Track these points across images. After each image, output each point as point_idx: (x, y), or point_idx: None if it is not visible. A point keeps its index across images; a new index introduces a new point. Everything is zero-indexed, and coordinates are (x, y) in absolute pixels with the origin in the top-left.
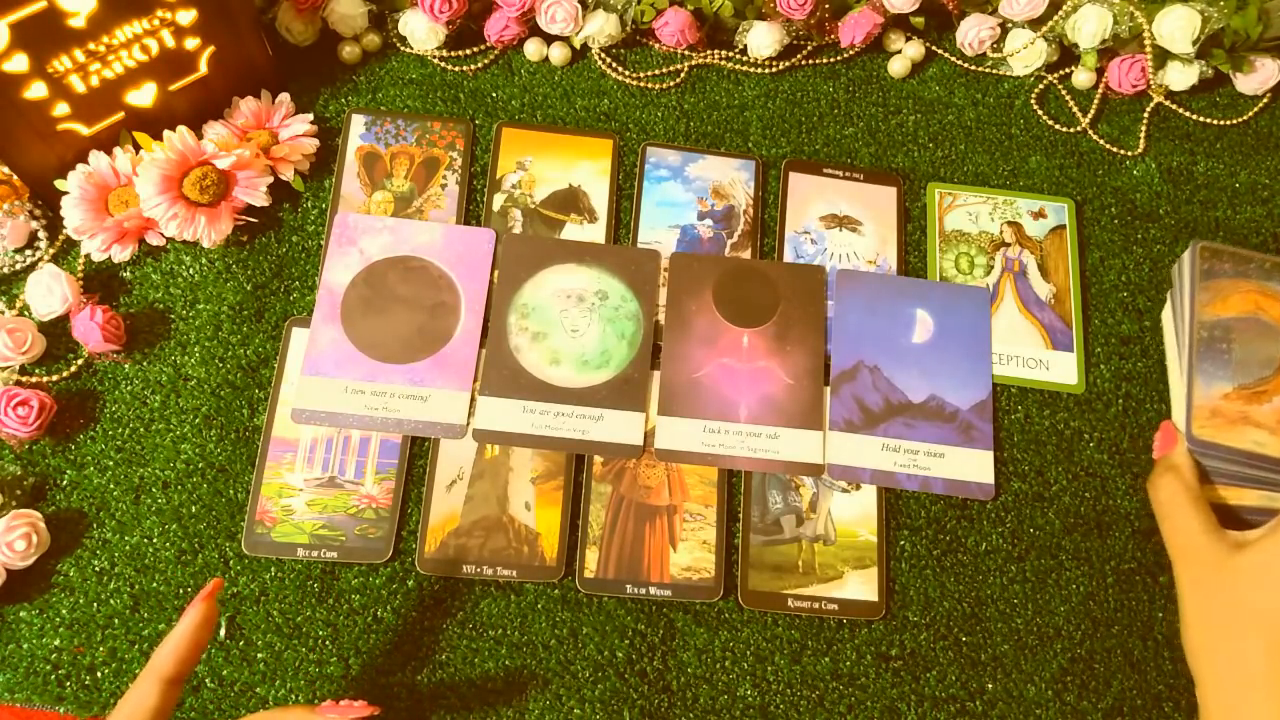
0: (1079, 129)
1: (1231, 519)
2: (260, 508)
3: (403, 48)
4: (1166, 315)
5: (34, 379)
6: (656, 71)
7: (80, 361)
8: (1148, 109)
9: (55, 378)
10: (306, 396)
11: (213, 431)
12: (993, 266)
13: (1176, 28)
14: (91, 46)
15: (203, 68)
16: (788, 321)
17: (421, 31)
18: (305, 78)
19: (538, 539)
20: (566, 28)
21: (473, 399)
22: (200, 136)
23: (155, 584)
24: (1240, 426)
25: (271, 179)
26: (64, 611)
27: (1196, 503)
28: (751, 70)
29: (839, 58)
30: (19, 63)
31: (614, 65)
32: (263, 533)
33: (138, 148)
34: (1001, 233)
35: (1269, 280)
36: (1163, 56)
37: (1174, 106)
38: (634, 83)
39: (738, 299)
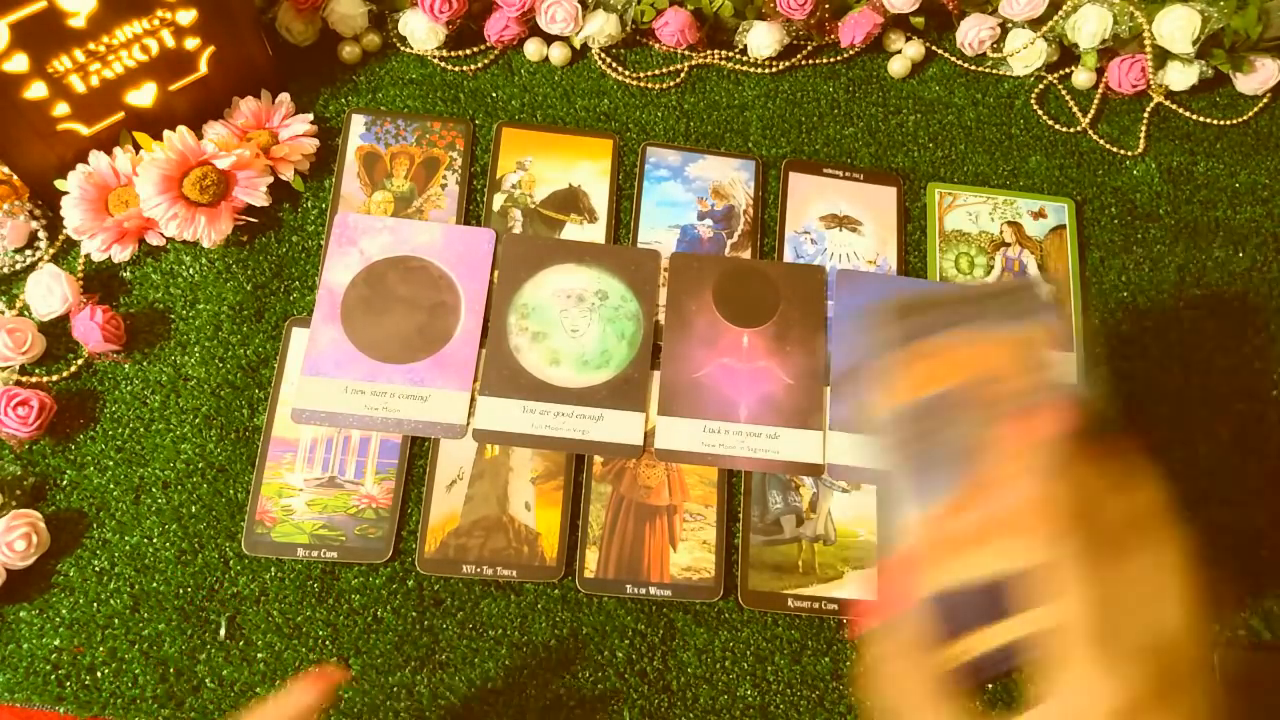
0: (1079, 129)
1: (964, 674)
2: (260, 508)
3: (403, 48)
4: (870, 413)
5: (34, 379)
6: (656, 71)
7: (80, 361)
8: (1148, 109)
9: (55, 378)
10: (306, 396)
11: (213, 431)
12: (993, 266)
13: (1176, 28)
14: (91, 46)
15: (203, 68)
16: (788, 321)
17: (421, 31)
18: (305, 78)
19: (538, 539)
20: (566, 28)
21: (473, 399)
22: (200, 136)
23: (155, 584)
24: (967, 550)
25: (271, 179)
26: (64, 611)
27: (939, 694)
28: (751, 70)
29: (839, 58)
30: (19, 63)
31: (614, 65)
32: (263, 533)
33: (138, 148)
34: (1001, 233)
35: (966, 320)
36: (1163, 56)
37: (1174, 106)
38: (634, 83)
39: (738, 299)
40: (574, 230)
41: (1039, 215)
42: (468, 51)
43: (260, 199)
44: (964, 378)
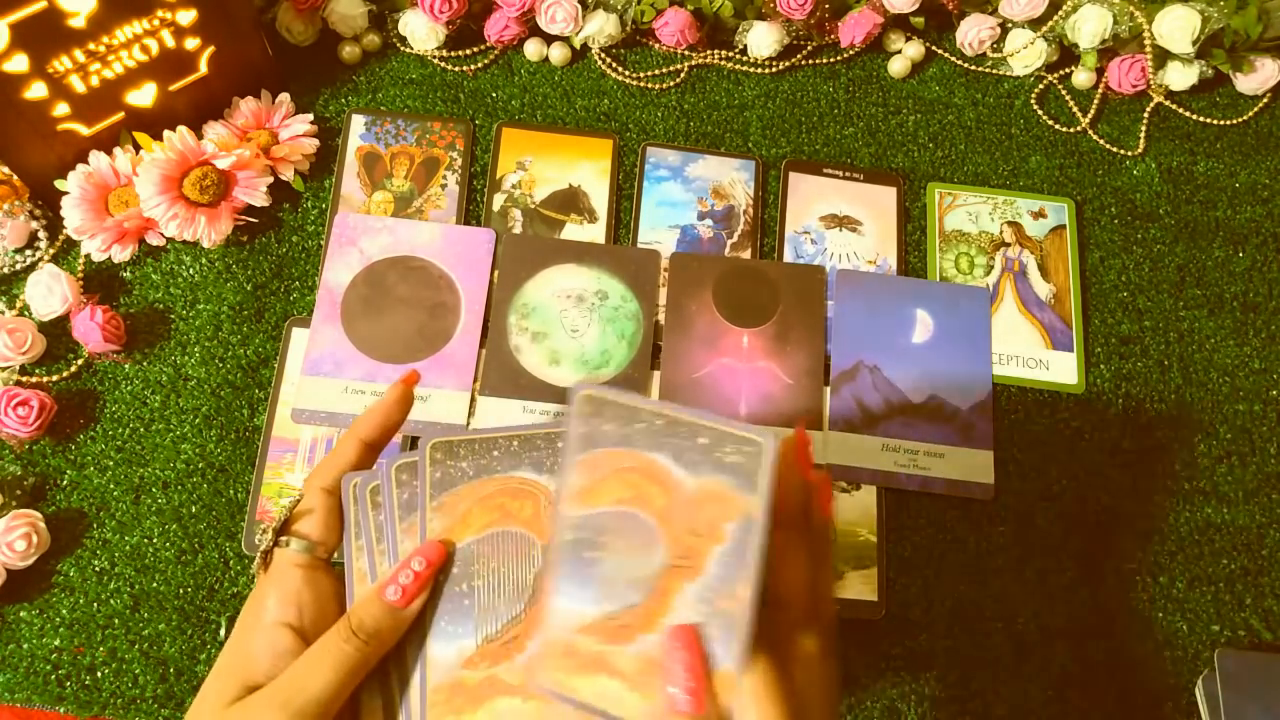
0: (1079, 129)
1: None
2: (260, 508)
3: (403, 48)
4: None
5: (34, 379)
6: (656, 71)
7: (80, 361)
8: (1148, 109)
9: (55, 378)
10: (306, 396)
11: (213, 431)
12: (993, 266)
13: (1176, 28)
14: (91, 46)
15: (203, 68)
16: (788, 321)
17: (421, 31)
18: (305, 78)
19: None
20: (566, 28)
21: (473, 399)
22: (200, 136)
23: (155, 584)
24: (594, 673)
25: (271, 179)
26: (64, 611)
27: None
28: (751, 70)
29: (839, 58)
30: (19, 63)
31: (614, 65)
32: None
33: (138, 148)
34: (1001, 233)
35: (656, 450)
36: (1163, 56)
37: (1174, 106)
38: (634, 83)
39: (738, 299)
40: (574, 230)
41: (1039, 215)
42: (468, 51)
43: (260, 199)
44: (651, 505)
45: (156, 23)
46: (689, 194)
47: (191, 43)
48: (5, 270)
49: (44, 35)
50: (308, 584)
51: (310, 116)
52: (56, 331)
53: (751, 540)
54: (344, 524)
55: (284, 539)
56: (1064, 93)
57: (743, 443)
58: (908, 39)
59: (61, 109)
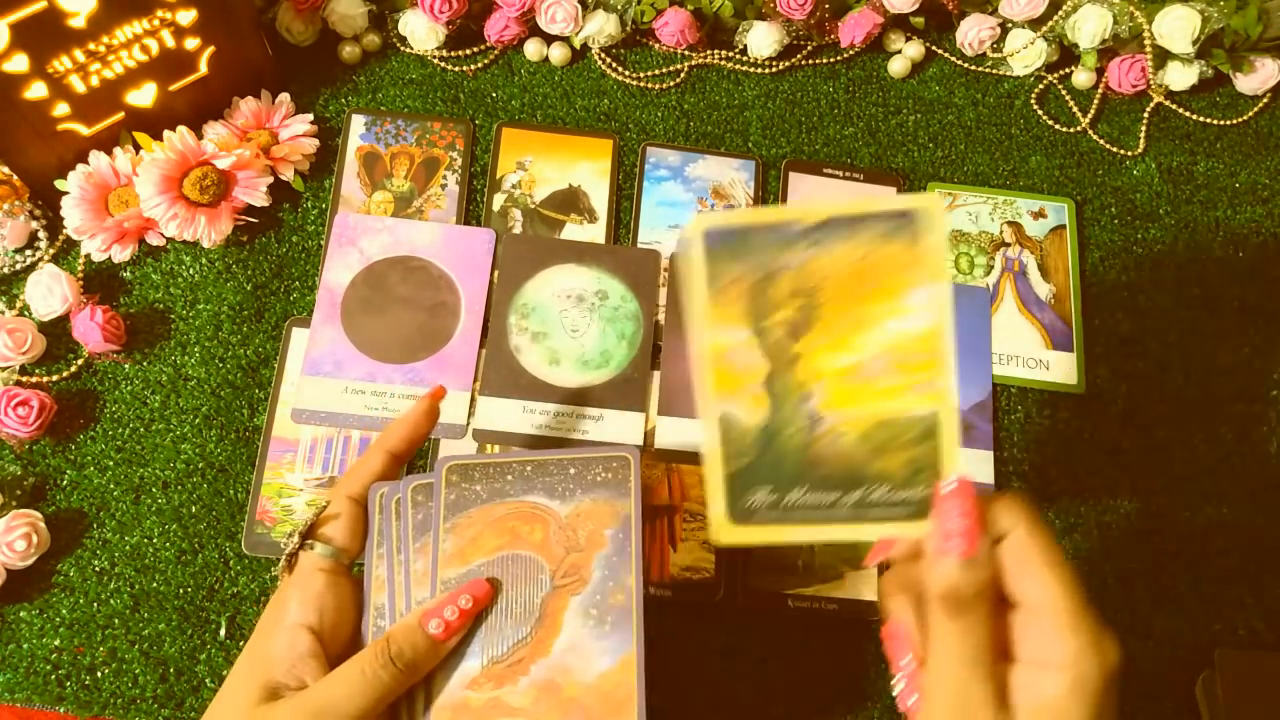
0: (1079, 129)
1: None
2: (260, 508)
3: (403, 48)
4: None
5: (34, 379)
6: (656, 71)
7: (80, 361)
8: (1148, 109)
9: (55, 378)
10: (306, 396)
11: (213, 431)
12: (993, 266)
13: (1176, 28)
14: (91, 46)
15: (203, 68)
16: None
17: (421, 31)
18: (305, 78)
19: None
20: (566, 28)
21: (473, 399)
22: (200, 136)
23: (155, 584)
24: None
25: (271, 179)
26: (64, 611)
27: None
28: (751, 70)
29: (839, 58)
30: (19, 63)
31: (614, 65)
32: (263, 533)
33: (138, 148)
34: (1001, 233)
35: (528, 493)
36: (1163, 56)
37: (1174, 106)
38: (634, 83)
39: None
40: (574, 230)
41: (1039, 215)
42: (468, 51)
43: (260, 199)
44: (529, 540)
45: (156, 23)
46: (689, 194)
47: (191, 43)
48: (5, 270)
49: (44, 35)
50: (330, 588)
51: (310, 116)
52: (56, 331)
53: (631, 535)
54: (368, 531)
55: (310, 543)
56: (1064, 93)
57: (610, 460)
58: (908, 39)
59: (61, 109)
